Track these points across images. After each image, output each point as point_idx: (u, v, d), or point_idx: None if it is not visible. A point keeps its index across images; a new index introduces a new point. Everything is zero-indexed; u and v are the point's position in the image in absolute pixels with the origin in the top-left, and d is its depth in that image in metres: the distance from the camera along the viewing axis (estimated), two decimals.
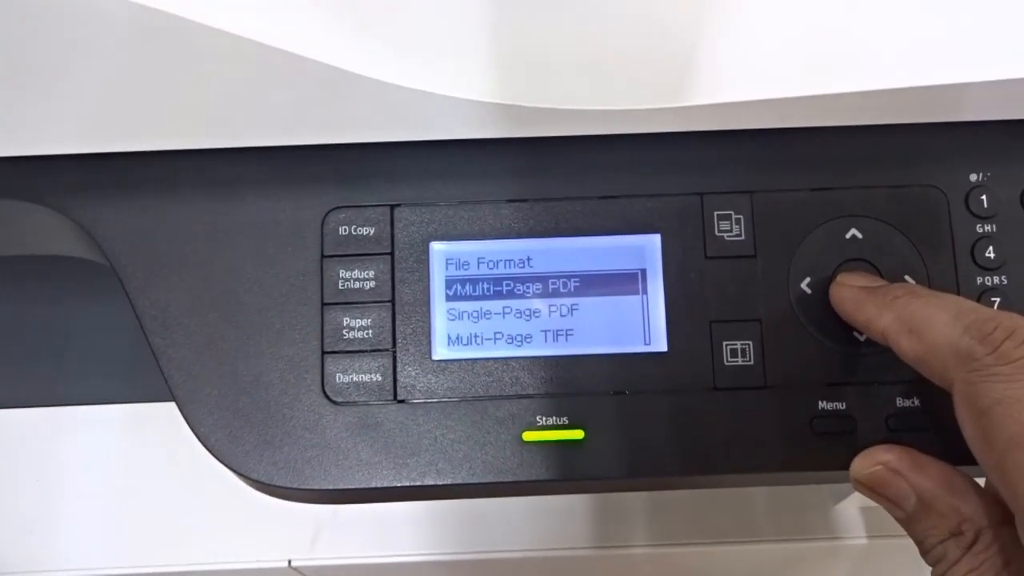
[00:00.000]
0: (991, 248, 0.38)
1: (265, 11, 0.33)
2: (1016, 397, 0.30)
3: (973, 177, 0.39)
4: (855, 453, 0.37)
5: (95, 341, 0.60)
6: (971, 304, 0.34)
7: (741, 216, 0.39)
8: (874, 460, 0.36)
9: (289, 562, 0.56)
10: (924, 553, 0.35)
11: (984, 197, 0.39)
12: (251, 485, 0.39)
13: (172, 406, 0.59)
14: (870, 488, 0.36)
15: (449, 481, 0.37)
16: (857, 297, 0.36)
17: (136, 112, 0.36)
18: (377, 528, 0.56)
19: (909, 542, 0.54)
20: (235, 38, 0.32)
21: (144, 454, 0.58)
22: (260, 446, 0.37)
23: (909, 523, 0.35)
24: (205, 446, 0.38)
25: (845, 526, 0.57)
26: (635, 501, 0.57)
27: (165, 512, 0.57)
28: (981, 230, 0.39)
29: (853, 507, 0.56)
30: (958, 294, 0.38)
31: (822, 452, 0.38)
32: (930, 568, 0.35)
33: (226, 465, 0.38)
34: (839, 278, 0.37)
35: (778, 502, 0.57)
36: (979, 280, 0.38)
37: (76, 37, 0.33)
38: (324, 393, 0.38)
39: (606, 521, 0.57)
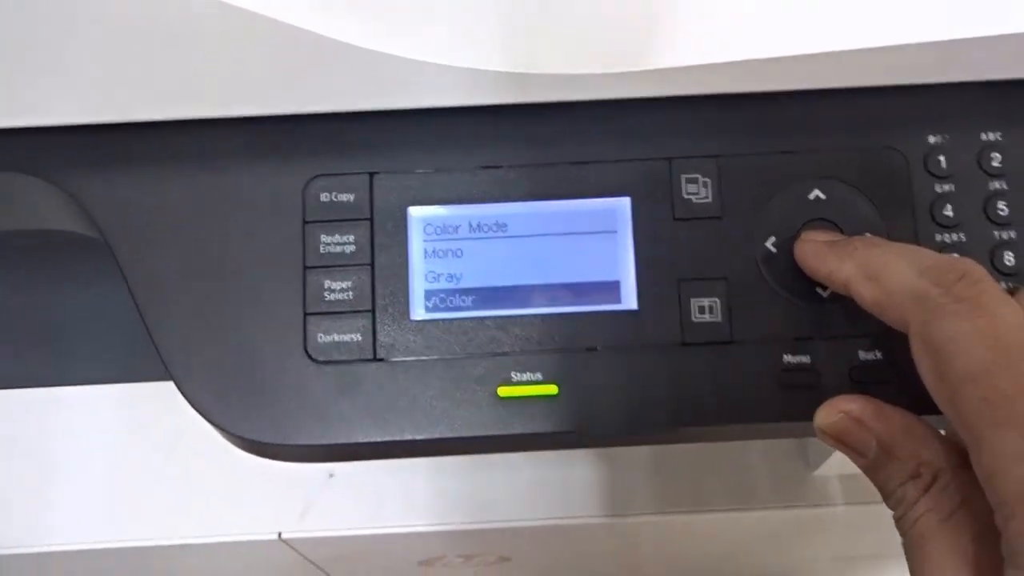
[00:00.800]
0: (949, 207, 0.40)
1: None
2: (967, 332, 0.31)
3: (932, 140, 0.41)
4: (819, 404, 0.38)
5: (90, 323, 0.61)
6: (927, 251, 0.35)
7: (708, 179, 0.40)
8: (836, 409, 0.37)
9: (279, 534, 0.57)
10: (886, 498, 0.36)
11: (942, 158, 0.40)
12: (237, 444, 0.40)
13: (163, 386, 0.61)
14: (833, 437, 0.37)
15: (428, 436, 0.39)
16: (819, 250, 0.37)
17: (123, 82, 0.37)
18: (366, 500, 0.58)
19: (883, 508, 0.55)
20: (222, 4, 0.34)
21: (137, 432, 0.60)
22: (246, 404, 0.39)
23: (872, 470, 0.37)
24: (193, 406, 0.39)
25: (823, 494, 0.58)
26: (620, 469, 0.59)
27: (158, 488, 0.58)
28: (940, 190, 0.40)
29: (831, 474, 0.58)
30: None
31: (788, 404, 0.39)
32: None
33: (213, 424, 0.39)
34: (802, 235, 0.39)
35: (755, 472, 0.59)
36: (938, 237, 0.40)
37: (65, 9, 0.35)
38: (306, 352, 0.39)
39: (589, 492, 0.58)
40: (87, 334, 0.61)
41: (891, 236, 0.40)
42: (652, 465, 0.59)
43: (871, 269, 0.35)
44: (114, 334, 0.61)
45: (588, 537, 0.62)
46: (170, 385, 0.60)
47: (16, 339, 0.61)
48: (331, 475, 0.58)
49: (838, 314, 0.39)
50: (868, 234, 0.39)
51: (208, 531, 0.57)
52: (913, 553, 0.34)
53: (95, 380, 0.60)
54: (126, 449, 0.59)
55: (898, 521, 0.35)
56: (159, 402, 0.60)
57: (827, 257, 0.37)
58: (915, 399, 0.38)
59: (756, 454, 0.59)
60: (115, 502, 0.58)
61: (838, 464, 0.56)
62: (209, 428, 0.60)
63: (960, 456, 0.35)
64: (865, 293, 0.35)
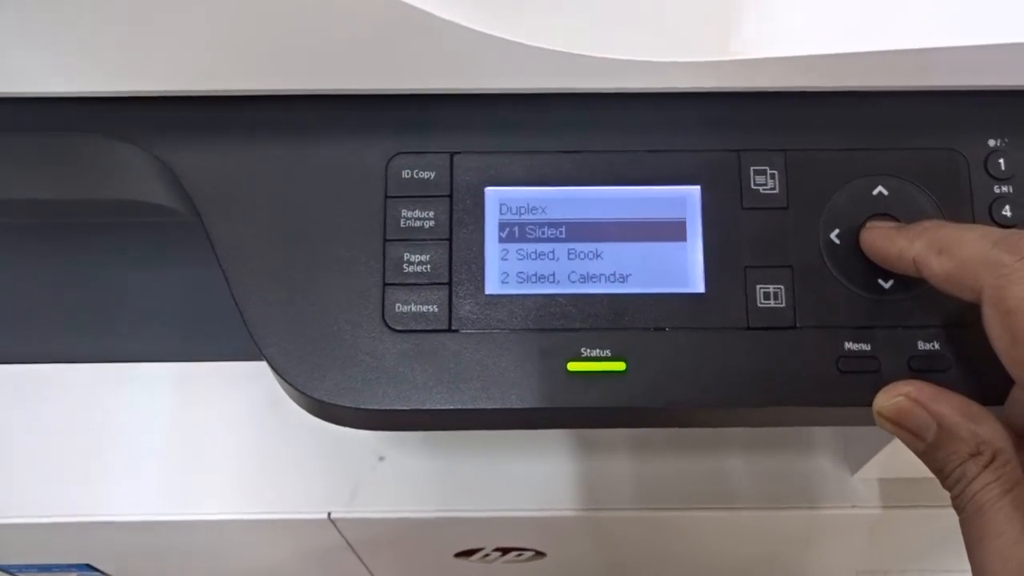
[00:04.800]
0: (1008, 207, 0.41)
1: None
2: None
3: (992, 143, 0.42)
4: (878, 390, 0.40)
5: (148, 304, 0.63)
6: (994, 228, 0.37)
7: (775, 171, 0.42)
8: (895, 392, 0.38)
9: (328, 514, 0.58)
10: (944, 479, 0.38)
11: (1002, 160, 0.42)
12: (313, 409, 0.42)
13: (219, 366, 0.63)
14: (893, 420, 0.38)
15: (498, 406, 0.40)
16: (888, 234, 0.39)
17: (221, 54, 0.39)
18: (414, 485, 0.59)
19: (921, 513, 0.56)
20: None
21: (191, 411, 0.61)
22: (323, 368, 0.40)
23: (930, 453, 0.38)
24: (273, 367, 0.41)
25: (862, 496, 0.59)
26: (662, 463, 0.60)
27: (211, 465, 0.59)
28: (999, 191, 0.42)
29: (871, 477, 0.59)
30: None
31: (847, 389, 0.40)
32: (949, 510, 0.38)
33: (293, 387, 0.40)
34: (868, 224, 0.40)
35: (795, 472, 0.60)
36: None
37: None
38: (384, 321, 0.41)
39: (629, 484, 0.60)
40: (145, 314, 0.63)
41: None
42: (694, 460, 0.60)
43: (942, 243, 0.36)
44: (171, 315, 0.63)
45: (624, 531, 0.63)
46: (223, 366, 0.63)
47: (76, 316, 0.63)
48: (381, 458, 0.59)
49: (899, 305, 0.41)
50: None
51: (259, 508, 0.58)
52: (972, 524, 0.35)
53: (151, 358, 0.62)
54: (180, 427, 0.60)
55: (955, 499, 0.37)
56: (213, 382, 0.62)
57: (896, 238, 0.38)
58: (973, 389, 0.40)
59: (795, 456, 0.60)
60: (168, 478, 0.59)
61: (878, 467, 0.57)
62: (262, 409, 0.62)
63: (1019, 438, 0.36)
64: (936, 266, 0.36)
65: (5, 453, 0.60)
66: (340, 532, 0.61)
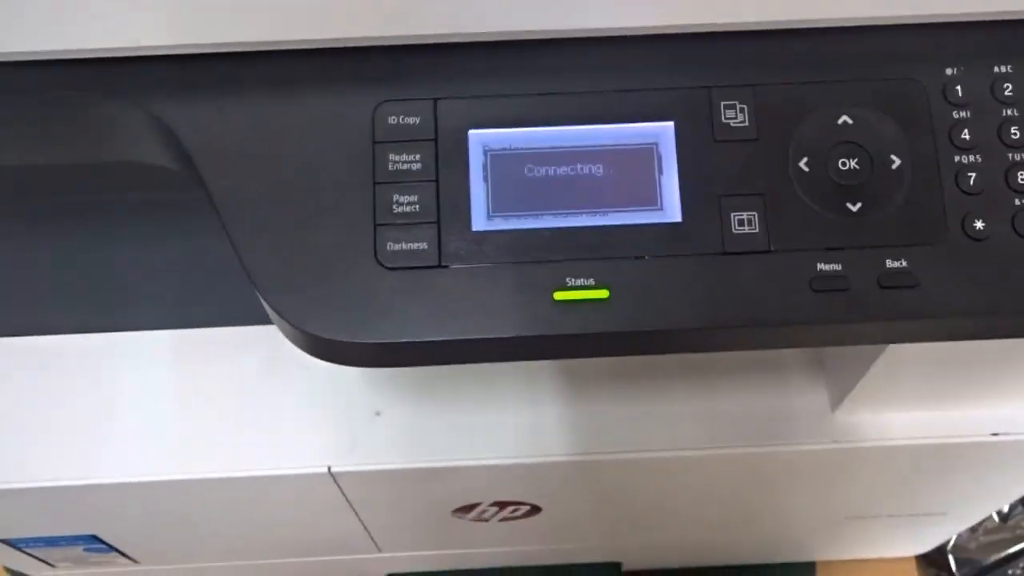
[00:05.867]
0: (966, 131, 0.43)
1: None
2: None
3: (948, 71, 0.44)
4: (850, 308, 0.42)
5: (147, 275, 0.65)
6: None
7: (745, 105, 0.44)
8: None
9: (328, 468, 0.60)
10: None
11: (959, 87, 0.44)
12: (310, 346, 0.43)
13: (215, 331, 0.64)
14: None
15: (488, 335, 0.42)
16: None
17: (213, 8, 0.41)
18: (409, 437, 0.61)
19: (900, 447, 0.58)
20: None
21: (190, 374, 0.63)
22: (322, 307, 0.42)
23: None
24: (273, 308, 0.42)
25: (841, 431, 0.61)
26: (648, 405, 0.62)
27: (211, 424, 0.61)
28: (957, 116, 0.44)
29: (850, 413, 0.61)
30: (939, 172, 0.43)
31: (820, 308, 0.42)
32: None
33: (291, 323, 0.42)
34: None
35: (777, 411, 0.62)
36: (956, 159, 0.43)
37: None
38: (377, 260, 0.42)
39: (618, 428, 0.62)
40: (145, 285, 0.64)
41: (913, 157, 0.43)
42: (678, 403, 0.62)
43: None
44: (170, 285, 0.65)
45: (613, 476, 0.65)
46: (219, 331, 0.64)
47: (78, 288, 0.64)
48: (377, 413, 0.61)
49: (867, 226, 0.43)
50: (894, 156, 0.43)
51: (261, 464, 0.60)
52: None
53: (152, 327, 0.64)
54: (181, 390, 0.62)
55: None
56: (210, 348, 0.63)
57: None
58: (938, 304, 0.42)
59: (777, 394, 0.62)
60: (170, 438, 0.61)
61: (855, 403, 0.59)
62: (259, 370, 0.63)
63: None
64: None
65: (10, 422, 0.62)
66: (340, 487, 0.62)
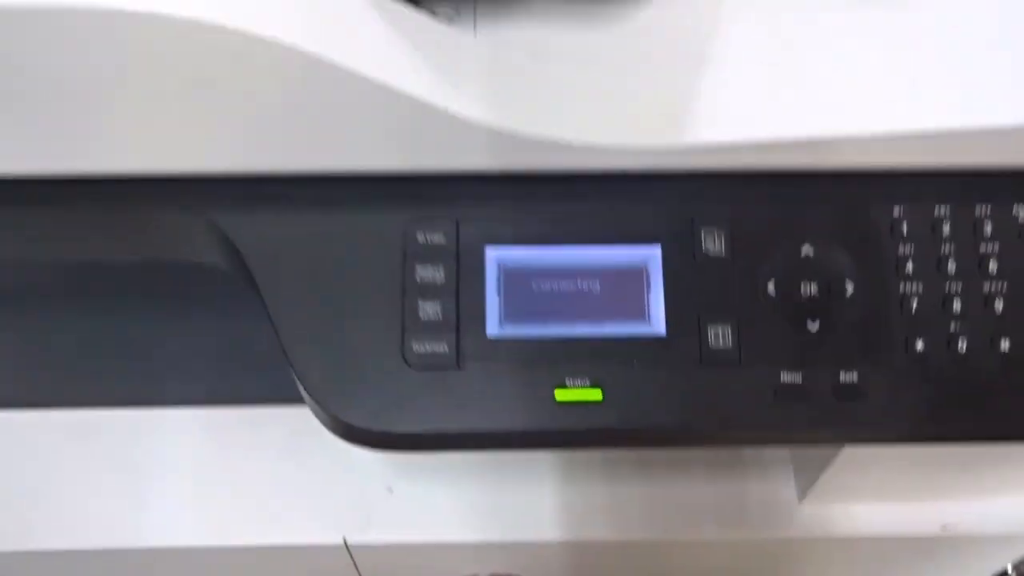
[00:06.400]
0: (910, 263, 0.51)
1: (381, 65, 0.45)
2: None
3: (896, 211, 0.52)
4: (809, 415, 0.49)
5: (180, 354, 0.71)
6: None
7: (722, 234, 0.51)
8: None
9: (344, 540, 0.66)
10: None
11: (905, 225, 0.51)
12: (343, 432, 0.50)
13: (242, 410, 0.71)
14: None
15: (497, 428, 0.49)
16: None
17: (274, 138, 0.48)
18: (424, 512, 0.67)
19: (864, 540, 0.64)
20: (360, 78, 0.45)
21: (217, 449, 0.69)
22: (355, 398, 0.49)
23: None
24: (313, 398, 0.49)
25: (808, 522, 0.68)
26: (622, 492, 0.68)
27: (234, 497, 0.67)
28: (903, 250, 0.51)
29: (817, 504, 0.67)
30: (886, 298, 0.50)
31: (783, 414, 0.49)
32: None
33: (327, 411, 0.49)
34: None
35: (750, 499, 0.68)
36: (901, 287, 0.51)
37: (235, 77, 0.45)
38: (404, 359, 0.49)
39: (610, 512, 0.68)
40: (178, 363, 0.71)
41: (865, 285, 0.50)
42: (655, 490, 0.68)
43: None
44: (201, 365, 0.71)
45: (600, 558, 0.71)
46: (249, 410, 0.71)
47: (115, 364, 0.71)
48: (390, 489, 0.67)
49: (824, 343, 0.50)
50: (848, 282, 0.50)
51: (279, 536, 0.66)
52: None
53: (183, 403, 0.70)
54: (205, 463, 0.68)
55: None
56: (237, 425, 0.70)
57: None
58: (886, 414, 0.49)
59: (748, 482, 0.68)
60: (194, 509, 0.67)
61: (822, 494, 0.66)
62: (280, 447, 0.70)
63: None
64: None
65: (50, 489, 0.68)
66: (353, 559, 0.68)
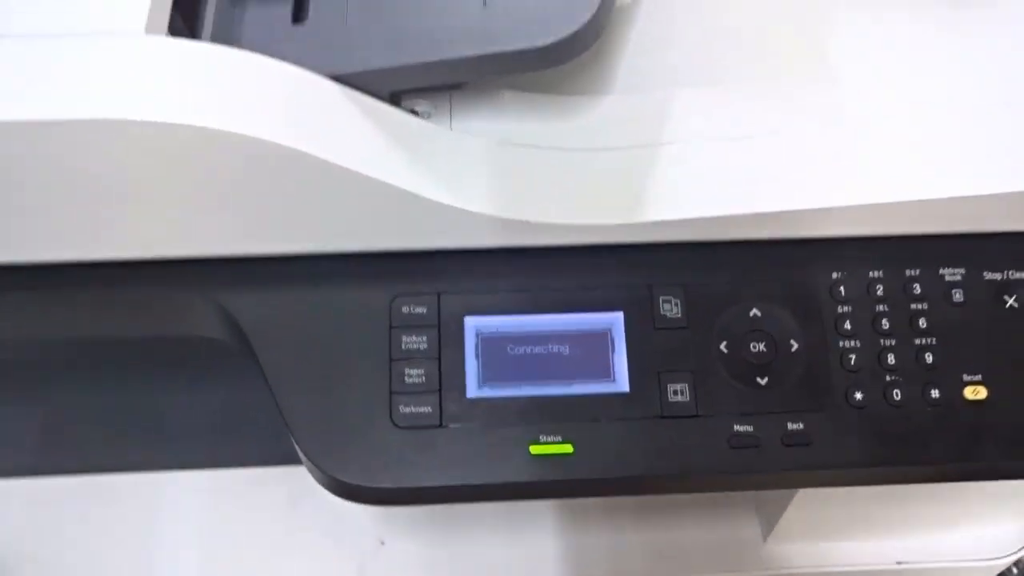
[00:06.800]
0: (848, 322, 0.56)
1: (367, 160, 0.51)
2: None
3: (834, 275, 0.57)
4: (760, 462, 0.54)
5: (184, 420, 0.76)
6: None
7: (678, 300, 0.56)
8: None
9: None
10: None
11: (842, 288, 0.57)
12: (336, 488, 0.54)
13: (240, 472, 0.75)
14: None
15: (478, 481, 0.53)
16: None
17: (273, 224, 0.54)
18: (415, 565, 0.71)
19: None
20: (349, 172, 0.50)
21: (217, 508, 0.73)
22: (347, 456, 0.53)
23: None
24: (309, 458, 0.54)
25: (773, 560, 0.72)
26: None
27: (230, 552, 0.71)
28: (840, 310, 0.57)
29: (780, 542, 0.72)
30: (827, 354, 0.56)
31: (737, 461, 0.54)
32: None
33: (321, 469, 0.53)
34: None
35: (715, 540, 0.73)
36: (840, 343, 0.56)
37: (234, 173, 0.51)
38: (392, 420, 0.54)
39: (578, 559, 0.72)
40: (182, 428, 0.75)
41: (807, 342, 0.56)
42: (624, 535, 0.73)
43: None
44: (204, 429, 0.76)
45: None
46: (248, 471, 0.75)
47: (122, 430, 0.75)
48: (382, 542, 0.72)
49: (772, 396, 0.55)
50: (793, 341, 0.56)
51: None
52: None
53: (185, 467, 0.75)
54: (209, 523, 0.73)
55: None
56: (236, 485, 0.74)
57: None
58: (828, 460, 0.54)
59: (714, 524, 0.73)
60: (195, 566, 0.71)
61: (784, 533, 0.71)
62: (277, 504, 0.74)
63: None
64: None
65: (61, 552, 0.72)
66: None
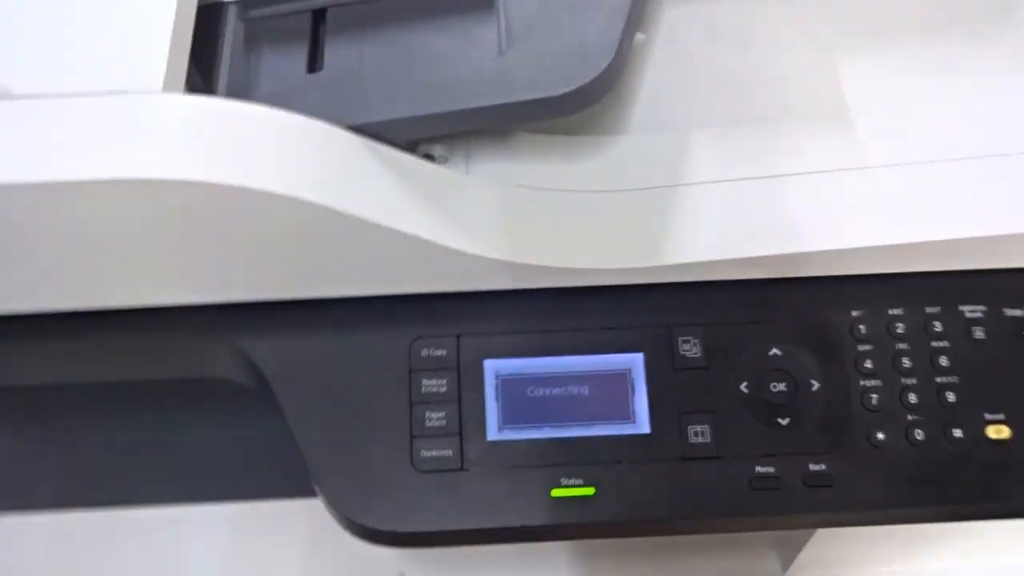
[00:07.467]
0: (868, 361, 0.56)
1: (387, 211, 0.51)
2: None
3: (855, 314, 0.57)
4: (782, 503, 0.54)
5: (204, 452, 0.76)
6: None
7: (698, 340, 0.57)
8: None
9: None
10: None
11: (862, 327, 0.57)
12: (358, 532, 0.55)
13: (261, 505, 0.75)
14: None
15: (500, 524, 0.54)
16: None
17: (290, 273, 0.54)
18: None
19: None
20: (368, 224, 0.51)
21: (235, 541, 0.74)
22: (368, 501, 0.54)
23: None
24: (331, 503, 0.54)
25: None
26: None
27: None
28: (861, 349, 0.56)
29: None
30: (848, 393, 0.56)
31: (758, 503, 0.54)
32: None
33: (343, 513, 0.54)
34: None
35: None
36: (861, 383, 0.56)
37: (260, 226, 0.51)
38: (412, 464, 0.54)
39: None
40: (199, 461, 0.76)
41: (828, 382, 0.56)
42: (647, 569, 0.73)
43: None
44: (221, 463, 0.76)
45: None
46: (270, 505, 0.75)
47: (143, 464, 0.76)
48: (402, 574, 0.72)
49: (793, 436, 0.55)
50: (813, 380, 0.55)
51: None
52: None
53: (209, 499, 0.75)
54: (229, 558, 0.73)
55: None
56: (254, 519, 0.75)
57: None
58: (851, 500, 0.54)
59: (735, 556, 0.73)
60: None
61: (804, 567, 0.70)
62: (296, 536, 0.74)
63: None
64: None
65: None
66: None
